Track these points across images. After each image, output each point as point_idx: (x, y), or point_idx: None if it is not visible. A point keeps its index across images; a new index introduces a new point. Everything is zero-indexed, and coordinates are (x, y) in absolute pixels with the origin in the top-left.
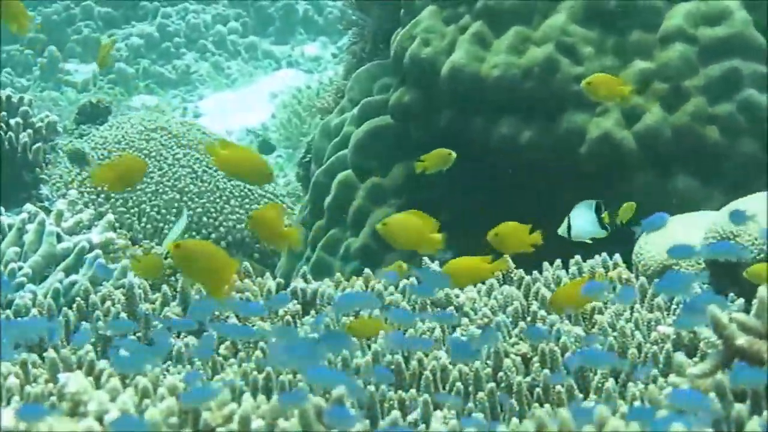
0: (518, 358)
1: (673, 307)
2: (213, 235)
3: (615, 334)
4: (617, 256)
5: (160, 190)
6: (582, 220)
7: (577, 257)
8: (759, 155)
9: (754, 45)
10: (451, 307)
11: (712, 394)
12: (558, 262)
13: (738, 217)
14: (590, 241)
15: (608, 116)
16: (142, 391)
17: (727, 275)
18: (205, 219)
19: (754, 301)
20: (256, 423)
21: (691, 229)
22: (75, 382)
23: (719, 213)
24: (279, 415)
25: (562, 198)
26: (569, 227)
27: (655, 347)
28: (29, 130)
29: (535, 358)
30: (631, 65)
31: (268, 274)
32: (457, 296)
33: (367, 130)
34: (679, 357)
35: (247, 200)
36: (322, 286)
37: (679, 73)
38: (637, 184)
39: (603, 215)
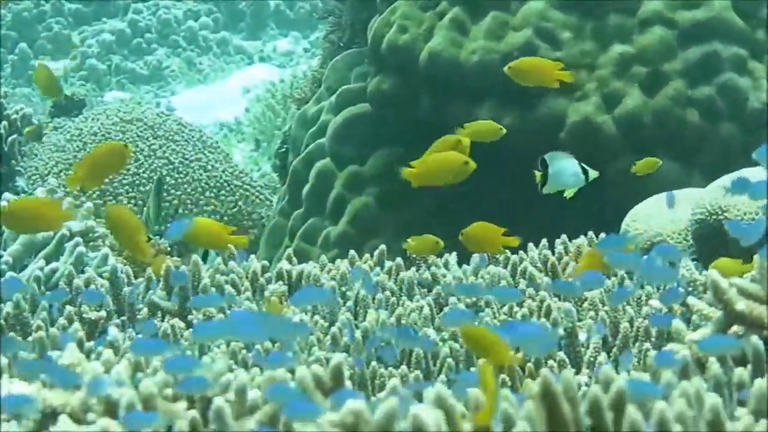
0: None
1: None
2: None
3: (606, 308)
4: (603, 236)
5: (137, 182)
6: (559, 171)
7: (564, 237)
8: (739, 138)
9: (734, 28)
10: (438, 287)
11: (713, 359)
12: (544, 241)
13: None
14: (569, 193)
15: (588, 101)
16: (135, 364)
17: (713, 251)
18: (181, 210)
19: (746, 275)
20: (253, 393)
21: (678, 205)
22: (69, 354)
23: (707, 189)
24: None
25: None
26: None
27: (647, 321)
28: (4, 122)
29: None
30: (610, 49)
31: (253, 256)
32: (444, 276)
33: (344, 118)
34: (677, 323)
35: (223, 191)
36: (308, 267)
37: (659, 57)
38: (618, 168)
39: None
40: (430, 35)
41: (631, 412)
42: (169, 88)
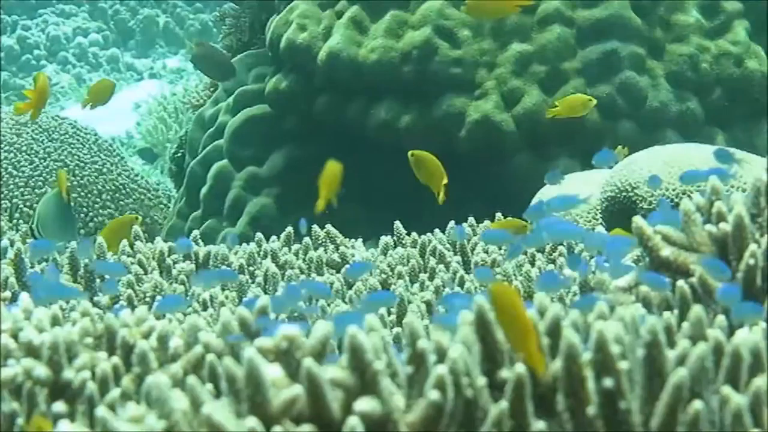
0: (423, 305)
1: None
2: (83, 231)
3: (521, 278)
4: (510, 218)
5: (32, 184)
6: None
7: (471, 219)
8: (638, 137)
9: (632, 26)
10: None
11: (639, 305)
12: (451, 223)
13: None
14: None
15: (488, 99)
16: (53, 316)
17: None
18: (76, 215)
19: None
20: (174, 341)
21: (587, 185)
22: None
23: (616, 168)
24: (198, 330)
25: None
26: None
27: (562, 289)
28: None
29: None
30: (509, 48)
31: (158, 238)
32: (353, 255)
33: (242, 119)
34: (600, 275)
35: (118, 194)
36: (215, 247)
37: (557, 56)
38: (517, 166)
39: None
40: (329, 34)
41: (568, 334)
42: (58, 104)
